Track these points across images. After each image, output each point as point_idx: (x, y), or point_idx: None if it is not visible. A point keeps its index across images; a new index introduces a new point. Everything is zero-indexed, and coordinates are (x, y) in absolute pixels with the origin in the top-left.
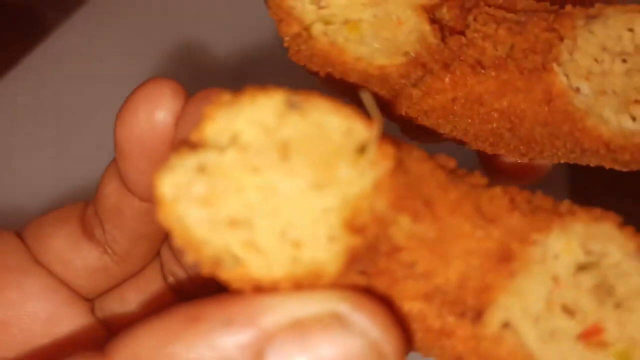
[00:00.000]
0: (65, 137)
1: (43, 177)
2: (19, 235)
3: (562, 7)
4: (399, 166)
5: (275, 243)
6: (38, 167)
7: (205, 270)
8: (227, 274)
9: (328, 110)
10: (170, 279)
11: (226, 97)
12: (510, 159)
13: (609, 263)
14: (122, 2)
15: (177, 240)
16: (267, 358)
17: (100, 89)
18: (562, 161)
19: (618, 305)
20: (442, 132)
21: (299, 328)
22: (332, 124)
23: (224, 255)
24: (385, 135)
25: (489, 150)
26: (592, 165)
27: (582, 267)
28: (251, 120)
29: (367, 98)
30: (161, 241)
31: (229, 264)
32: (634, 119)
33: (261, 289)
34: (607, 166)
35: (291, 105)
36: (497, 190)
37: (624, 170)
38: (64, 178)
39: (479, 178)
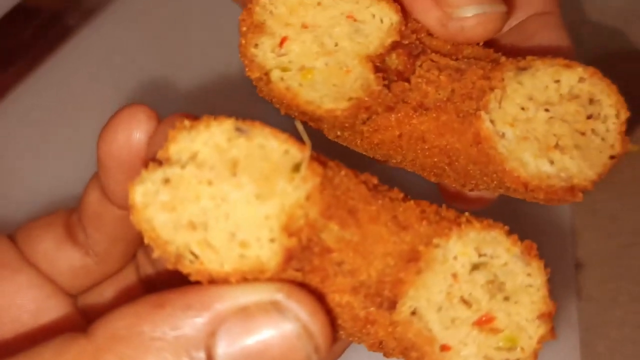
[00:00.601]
0: (75, 141)
1: (45, 181)
2: (10, 238)
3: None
4: (329, 181)
5: (226, 243)
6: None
7: (169, 264)
8: (187, 269)
9: (269, 135)
10: (145, 279)
11: (186, 122)
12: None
13: (498, 263)
14: (144, 5)
15: (146, 239)
16: (218, 337)
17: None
18: (495, 193)
19: (506, 298)
20: (394, 161)
21: (244, 313)
22: (272, 147)
23: (184, 252)
24: (316, 157)
25: (433, 179)
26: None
27: (476, 267)
28: (206, 142)
29: (299, 127)
30: (137, 245)
31: (189, 260)
32: (551, 162)
33: (214, 281)
34: (528, 200)
35: (239, 131)
36: (411, 203)
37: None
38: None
39: (397, 193)
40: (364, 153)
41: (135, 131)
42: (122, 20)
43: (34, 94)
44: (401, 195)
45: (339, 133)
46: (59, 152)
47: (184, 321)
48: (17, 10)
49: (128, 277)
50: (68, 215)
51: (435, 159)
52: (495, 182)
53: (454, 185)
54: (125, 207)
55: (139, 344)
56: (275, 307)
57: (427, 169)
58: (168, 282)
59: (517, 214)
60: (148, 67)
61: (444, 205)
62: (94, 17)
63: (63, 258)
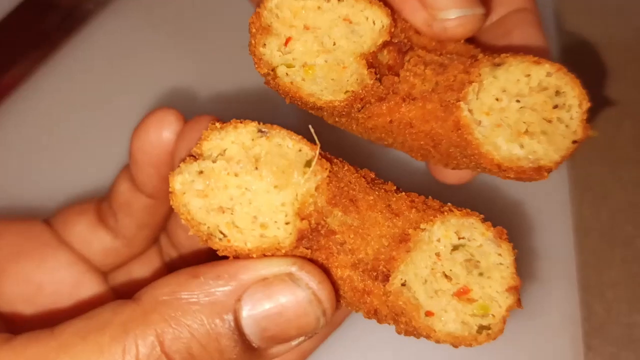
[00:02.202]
0: (98, 129)
1: (66, 172)
2: (47, 222)
3: (482, 50)
4: (335, 175)
5: (249, 224)
6: (63, 165)
7: (201, 241)
8: (216, 245)
9: (285, 136)
10: (167, 259)
11: (217, 124)
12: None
13: (474, 245)
14: None
15: (183, 220)
16: (243, 302)
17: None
18: (475, 172)
19: (481, 274)
20: (385, 143)
21: (264, 282)
22: (288, 146)
23: (215, 232)
24: (324, 155)
25: (420, 159)
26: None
27: (456, 248)
28: (234, 141)
29: (311, 129)
30: (160, 230)
31: (218, 238)
32: (521, 146)
33: (239, 256)
34: (502, 179)
35: (261, 132)
36: (402, 194)
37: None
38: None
39: (390, 186)
40: (359, 136)
41: (165, 131)
42: (139, 9)
43: (54, 80)
44: (394, 187)
45: (337, 119)
46: (82, 139)
47: (215, 289)
48: (30, 2)
49: (152, 258)
50: (99, 202)
51: (422, 142)
52: (473, 162)
53: (438, 165)
54: (153, 196)
55: (179, 307)
56: (290, 277)
57: (414, 150)
58: (188, 262)
59: (519, 196)
60: (166, 56)
61: (429, 197)
62: (111, 4)
63: (96, 240)
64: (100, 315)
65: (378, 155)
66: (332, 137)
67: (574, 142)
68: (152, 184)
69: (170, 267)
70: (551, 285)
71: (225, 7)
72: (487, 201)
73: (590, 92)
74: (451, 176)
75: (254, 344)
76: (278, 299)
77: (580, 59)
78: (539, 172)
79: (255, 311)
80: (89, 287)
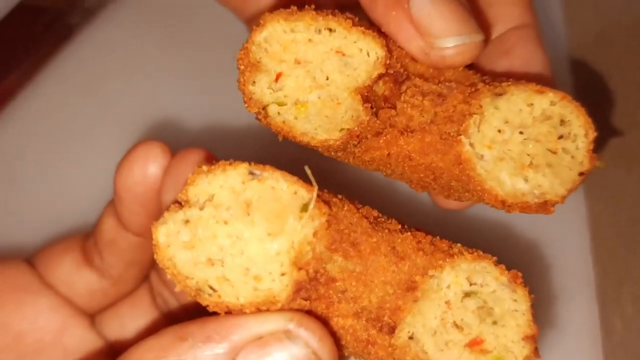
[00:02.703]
0: (83, 151)
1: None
2: (29, 262)
3: (482, 75)
4: (334, 217)
5: (241, 277)
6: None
7: (189, 297)
8: (205, 301)
9: (279, 178)
10: (159, 299)
11: (204, 167)
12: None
13: (487, 291)
14: (145, 4)
15: (169, 275)
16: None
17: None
18: (477, 203)
19: (495, 322)
20: (385, 174)
21: (259, 341)
22: (282, 188)
23: (203, 287)
24: (322, 195)
25: (421, 190)
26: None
27: (467, 294)
28: (222, 185)
29: (308, 171)
30: (150, 267)
31: (207, 294)
32: (526, 180)
33: (231, 312)
34: (506, 212)
35: (252, 174)
36: (408, 235)
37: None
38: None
39: (395, 224)
40: (357, 166)
41: (150, 166)
42: (124, 18)
43: (42, 98)
44: (399, 226)
45: (333, 154)
46: (66, 162)
47: (205, 352)
48: (20, 9)
49: (142, 298)
50: (84, 239)
51: (421, 175)
52: (475, 197)
53: (439, 196)
54: (140, 234)
55: None
56: (287, 335)
57: (414, 181)
58: (180, 302)
59: None
60: (152, 64)
61: (437, 237)
62: (95, 16)
63: (81, 281)
64: None
65: (381, 182)
66: (331, 166)
67: (581, 174)
68: (138, 221)
69: (161, 307)
70: (569, 301)
71: (219, 22)
72: (498, 228)
73: (596, 120)
74: (453, 203)
75: None
76: (275, 359)
77: (591, 60)
78: (544, 207)
79: None
80: (75, 332)
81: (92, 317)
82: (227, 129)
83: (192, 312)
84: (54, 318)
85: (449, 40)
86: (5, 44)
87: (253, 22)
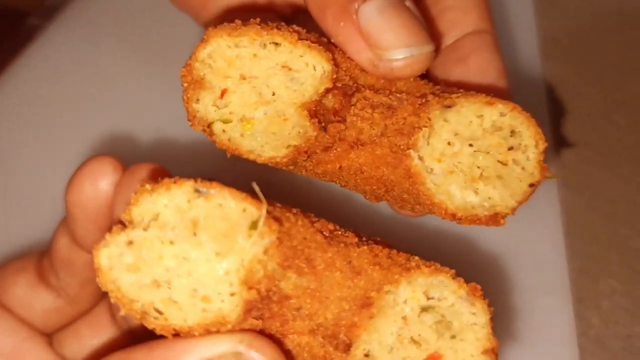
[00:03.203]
0: (42, 159)
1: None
2: None
3: (435, 84)
4: (286, 234)
5: (189, 299)
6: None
7: (135, 320)
8: (152, 324)
9: (227, 195)
10: (118, 316)
11: (147, 186)
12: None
13: (445, 305)
14: (106, 3)
15: (112, 299)
16: None
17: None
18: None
19: (453, 337)
20: (338, 185)
21: None
22: (230, 206)
23: (149, 310)
24: (272, 211)
25: (374, 201)
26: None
27: (425, 309)
28: (167, 204)
29: (256, 188)
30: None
31: (153, 317)
32: (476, 193)
33: (179, 334)
34: (460, 224)
35: (198, 192)
36: (364, 248)
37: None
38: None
39: (351, 237)
40: (311, 177)
41: (101, 182)
42: (86, 19)
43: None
44: (355, 239)
45: (284, 167)
46: (18, 175)
47: None
48: None
49: (100, 315)
50: (39, 258)
51: (374, 187)
52: (426, 209)
53: (394, 207)
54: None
55: None
56: (237, 358)
57: (367, 193)
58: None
59: None
60: (112, 65)
61: (395, 250)
62: (57, 16)
63: (37, 301)
64: None
65: (339, 192)
66: (287, 177)
67: (531, 185)
68: (91, 239)
69: (121, 324)
70: (544, 299)
71: (177, 29)
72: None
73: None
74: (410, 213)
75: None
76: None
77: (562, 54)
78: (494, 219)
79: None
80: (32, 354)
81: (50, 337)
82: (182, 141)
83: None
84: (10, 340)
85: (397, 52)
86: None
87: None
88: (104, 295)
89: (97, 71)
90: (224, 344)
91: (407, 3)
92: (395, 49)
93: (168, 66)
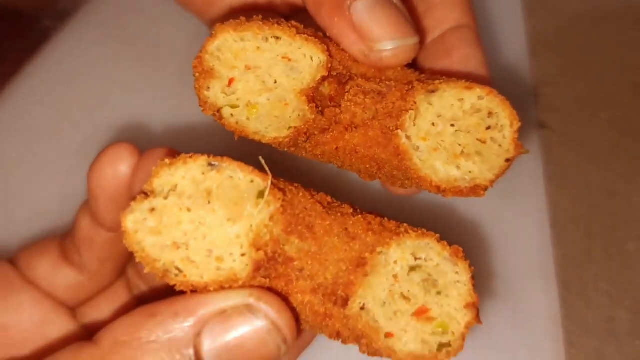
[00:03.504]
0: (60, 153)
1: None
2: (11, 262)
3: (421, 73)
4: (289, 203)
5: (204, 258)
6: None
7: (158, 278)
8: (172, 281)
9: (236, 168)
10: (136, 291)
11: (167, 160)
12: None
13: (431, 265)
14: (118, 5)
15: (137, 258)
16: (203, 336)
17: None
18: (418, 190)
19: (439, 293)
20: (336, 166)
21: (223, 315)
22: (239, 178)
23: (170, 268)
24: (277, 183)
25: (368, 180)
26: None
27: (413, 269)
28: (184, 176)
29: (262, 161)
30: (126, 262)
31: (174, 274)
32: (458, 167)
33: (196, 290)
34: (443, 196)
35: (211, 166)
36: (359, 217)
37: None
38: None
39: (347, 208)
40: (310, 159)
41: (120, 165)
42: (97, 21)
43: (18, 101)
44: (351, 210)
45: (286, 149)
46: (41, 166)
47: (174, 326)
48: None
49: (120, 291)
50: (62, 239)
51: (367, 166)
52: (414, 184)
53: (386, 184)
54: (114, 230)
55: (138, 347)
56: (248, 309)
57: (362, 172)
58: (156, 293)
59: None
60: (123, 64)
61: (385, 218)
62: (70, 18)
63: (60, 277)
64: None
65: (335, 173)
66: (287, 160)
67: (507, 160)
68: (111, 218)
69: (139, 298)
70: (530, 284)
71: (184, 29)
72: (457, 216)
73: (520, 112)
74: (401, 190)
75: None
76: (237, 331)
77: (551, 48)
78: (475, 190)
79: (216, 344)
80: (57, 324)
81: (73, 310)
82: (189, 129)
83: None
84: (37, 311)
85: (386, 44)
86: None
87: (215, 24)
88: (121, 273)
89: (109, 70)
90: (236, 297)
91: (395, 0)
92: (384, 41)
93: (176, 63)
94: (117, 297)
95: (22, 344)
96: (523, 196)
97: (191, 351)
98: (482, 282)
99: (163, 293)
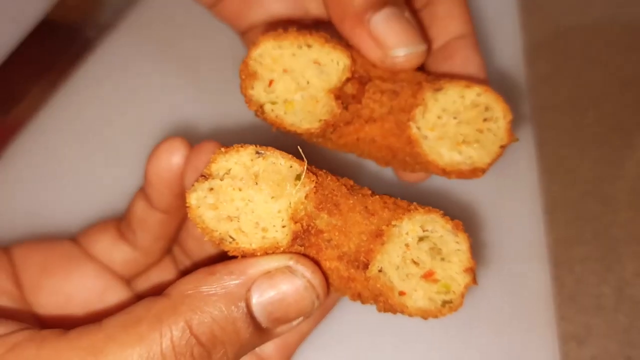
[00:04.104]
0: (106, 156)
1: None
2: (73, 240)
3: (428, 75)
4: (320, 185)
5: (253, 229)
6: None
7: (214, 245)
8: (227, 247)
9: (279, 156)
10: (180, 266)
11: (222, 149)
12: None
13: (437, 236)
14: (157, 15)
15: (199, 229)
16: (252, 291)
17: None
18: (427, 174)
19: (443, 259)
20: (356, 154)
21: (268, 274)
22: (281, 163)
23: (225, 237)
24: (310, 168)
25: (384, 166)
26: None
27: (421, 239)
28: (236, 162)
29: (300, 150)
30: (173, 241)
31: (228, 242)
32: (460, 153)
33: (246, 255)
34: (448, 178)
35: (258, 154)
36: (377, 197)
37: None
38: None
39: (367, 190)
40: (335, 150)
41: (174, 156)
42: (138, 31)
43: (64, 109)
44: (370, 192)
45: (315, 140)
46: (97, 163)
47: (229, 282)
48: (39, 26)
49: (167, 266)
50: (118, 221)
51: (384, 154)
52: (423, 168)
53: (399, 169)
54: (166, 211)
55: (201, 298)
56: (288, 270)
57: (379, 159)
58: (198, 267)
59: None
60: (164, 75)
61: (398, 198)
62: (111, 30)
63: (117, 252)
64: (137, 310)
65: (354, 165)
66: (316, 153)
67: (501, 146)
68: (164, 201)
69: (183, 273)
70: (524, 263)
71: (220, 39)
72: (455, 203)
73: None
74: (411, 177)
75: (262, 325)
76: (280, 287)
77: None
78: (474, 172)
79: (262, 298)
80: (115, 293)
81: (129, 282)
82: (232, 128)
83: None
84: (98, 282)
85: (399, 51)
86: (28, 60)
87: (247, 33)
88: (169, 251)
89: (151, 78)
90: (279, 260)
91: (406, 14)
92: (397, 48)
93: (214, 70)
94: (165, 271)
95: (86, 309)
96: (519, 186)
97: (243, 304)
98: (479, 259)
99: (203, 267)
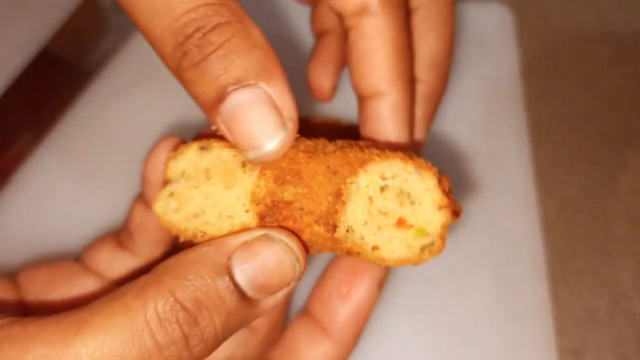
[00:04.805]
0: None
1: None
2: (76, 259)
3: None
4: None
5: (219, 219)
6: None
7: (189, 241)
8: (201, 241)
9: (222, 147)
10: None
11: (171, 153)
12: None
13: (400, 181)
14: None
15: (172, 232)
16: (233, 258)
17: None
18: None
19: (412, 203)
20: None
21: (247, 243)
22: (225, 154)
23: (196, 233)
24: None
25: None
26: None
27: (383, 188)
28: (186, 162)
29: None
30: (173, 248)
31: (200, 236)
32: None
33: None
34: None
35: (202, 149)
36: (338, 153)
37: None
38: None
39: (330, 147)
40: None
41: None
42: (135, 64)
43: (67, 137)
44: (333, 148)
45: None
46: (96, 189)
47: (210, 253)
48: (38, 58)
49: None
50: (116, 234)
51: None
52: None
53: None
54: None
55: (184, 267)
56: (268, 237)
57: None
58: None
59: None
60: (161, 104)
61: (360, 144)
62: (108, 63)
63: (118, 262)
64: (123, 287)
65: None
66: None
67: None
68: None
69: None
70: (523, 279)
71: None
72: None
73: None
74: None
75: (247, 294)
76: (259, 252)
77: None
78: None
79: (244, 265)
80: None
81: None
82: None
83: None
84: (98, 292)
85: (250, 154)
86: (27, 93)
87: None
88: (169, 255)
89: (149, 109)
90: (255, 232)
91: (269, 90)
92: (249, 151)
93: None
94: None
95: None
96: (515, 205)
97: (225, 271)
98: (479, 278)
99: None
